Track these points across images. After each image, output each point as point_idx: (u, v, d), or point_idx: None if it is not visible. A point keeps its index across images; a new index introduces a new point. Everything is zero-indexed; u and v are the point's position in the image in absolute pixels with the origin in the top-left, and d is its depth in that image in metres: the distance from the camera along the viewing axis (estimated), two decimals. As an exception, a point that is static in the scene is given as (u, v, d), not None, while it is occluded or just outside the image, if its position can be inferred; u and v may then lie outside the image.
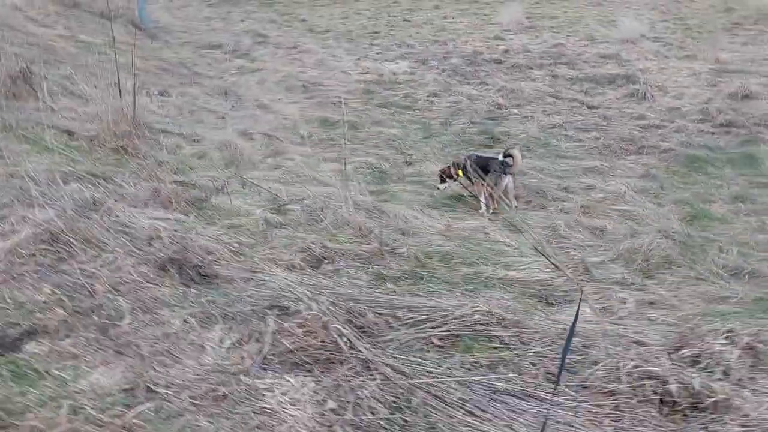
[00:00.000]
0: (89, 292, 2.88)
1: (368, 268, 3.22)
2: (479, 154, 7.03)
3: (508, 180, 6.30)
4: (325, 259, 3.22)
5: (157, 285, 2.96)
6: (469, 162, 6.55)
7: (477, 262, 3.56)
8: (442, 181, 6.57)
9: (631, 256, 3.94)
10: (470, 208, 6.01)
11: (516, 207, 6.18)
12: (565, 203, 6.10)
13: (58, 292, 2.83)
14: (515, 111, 10.16)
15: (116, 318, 2.70)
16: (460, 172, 6.54)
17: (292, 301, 2.66)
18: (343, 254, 3.36)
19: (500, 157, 6.44)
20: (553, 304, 3.11)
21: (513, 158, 6.38)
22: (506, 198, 6.30)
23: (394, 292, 3.05)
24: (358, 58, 14.81)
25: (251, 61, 12.74)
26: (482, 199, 6.23)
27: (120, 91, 6.71)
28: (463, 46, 16.32)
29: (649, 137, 8.56)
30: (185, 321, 2.68)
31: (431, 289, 3.15)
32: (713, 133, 8.72)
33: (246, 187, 5.08)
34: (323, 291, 2.76)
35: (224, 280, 3.08)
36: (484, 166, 6.39)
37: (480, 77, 12.77)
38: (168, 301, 2.84)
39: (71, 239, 3.20)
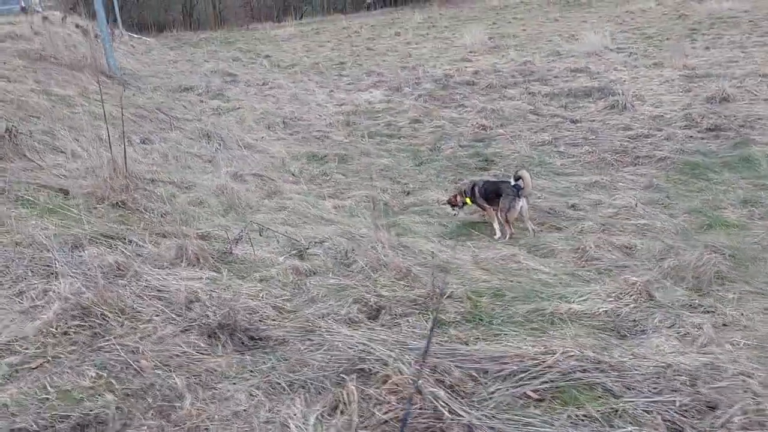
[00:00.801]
0: (136, 370, 2.61)
1: (428, 315, 3.01)
2: (488, 179, 6.94)
3: (522, 203, 6.11)
4: (381, 309, 3.00)
5: (209, 355, 2.70)
6: (477, 188, 6.45)
7: (530, 296, 3.38)
8: (453, 207, 6.65)
9: (678, 274, 3.81)
10: (486, 236, 5.84)
11: (534, 231, 6.01)
12: (580, 222, 5.98)
13: (104, 375, 2.54)
14: (501, 131, 10.11)
15: (174, 398, 2.43)
16: (468, 200, 6.45)
17: (368, 361, 2.43)
18: (397, 301, 3.14)
19: (512, 181, 6.27)
20: (626, 336, 2.94)
21: (523, 180, 6.18)
22: (523, 222, 6.16)
23: (461, 339, 2.84)
24: (331, 90, 14.72)
25: (226, 101, 12.51)
26: (496, 225, 6.09)
27: (110, 144, 6.42)
28: (432, 70, 16.38)
29: (640, 147, 8.57)
30: (251, 395, 2.43)
31: (497, 332, 2.95)
32: (702, 138, 8.77)
33: (262, 233, 4.82)
34: (396, 346, 2.54)
35: (277, 341, 2.83)
36: (495, 191, 6.26)
37: (457, 100, 12.77)
38: (225, 373, 2.58)
39: (104, 311, 2.92)
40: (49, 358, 2.69)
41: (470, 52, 18.78)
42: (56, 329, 2.84)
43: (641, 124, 9.83)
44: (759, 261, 3.94)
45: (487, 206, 6.35)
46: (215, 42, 25.92)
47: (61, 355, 2.71)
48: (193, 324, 2.91)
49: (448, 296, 3.28)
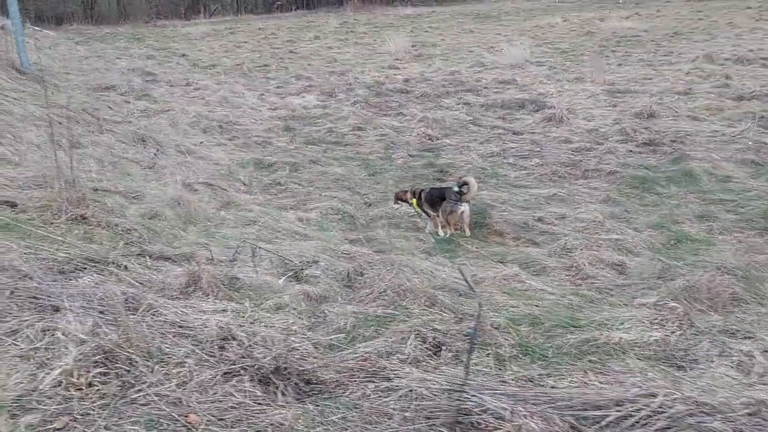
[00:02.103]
0: (186, 428, 2.26)
1: (488, 350, 2.83)
2: (434, 186, 7.11)
3: (464, 208, 6.45)
4: (441, 344, 2.79)
5: (268, 405, 2.39)
6: (423, 194, 6.75)
7: (569, 324, 3.29)
8: (395, 201, 7.04)
9: (691, 296, 3.85)
10: (465, 250, 5.74)
11: (469, 234, 6.44)
12: (556, 237, 6.02)
13: (151, 435, 2.18)
14: (447, 141, 10.12)
15: (244, 462, 2.12)
16: (414, 201, 6.77)
17: (468, 411, 2.22)
18: (452, 335, 2.94)
19: (455, 188, 6.60)
20: (683, 367, 2.90)
21: (468, 185, 6.53)
22: (462, 224, 6.51)
23: (528, 378, 2.69)
24: (261, 94, 14.24)
25: (153, 102, 11.76)
26: (435, 228, 6.68)
27: (54, 150, 5.79)
28: (361, 76, 16.24)
29: (586, 161, 8.81)
30: (334, 453, 2.16)
31: (557, 366, 2.82)
32: (641, 153, 9.15)
33: (255, 254, 4.46)
34: (486, 392, 2.35)
35: (335, 385, 2.56)
36: (440, 196, 6.59)
37: (394, 108, 12.70)
38: (293, 427, 2.28)
39: (130, 355, 2.53)
40: (77, 416, 2.28)
41: (396, 59, 18.79)
42: (77, 379, 2.42)
43: (580, 137, 10.13)
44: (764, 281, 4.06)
45: (432, 213, 6.66)
46: (123, 38, 24.52)
47: (91, 412, 2.31)
48: (236, 367, 2.58)
49: (492, 327, 3.12)
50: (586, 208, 6.93)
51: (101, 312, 2.84)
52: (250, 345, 2.69)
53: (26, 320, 2.87)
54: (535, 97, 12.95)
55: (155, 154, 8.65)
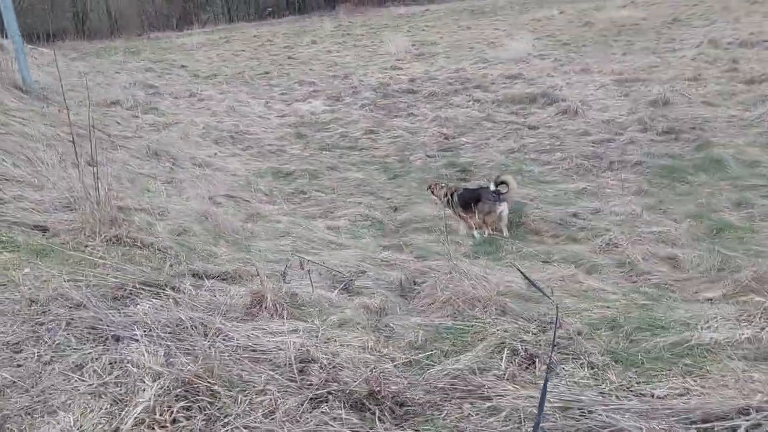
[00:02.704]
0: (285, 461, 2.10)
1: (580, 359, 2.67)
2: (467, 187, 6.89)
3: (503, 207, 6.31)
4: (534, 357, 2.63)
5: (367, 432, 2.23)
6: (456, 195, 6.60)
7: (648, 326, 3.13)
8: (433, 193, 6.94)
9: (763, 288, 3.71)
10: (507, 251, 5.58)
11: (507, 235, 6.26)
12: (593, 232, 5.88)
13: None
14: (464, 139, 9.98)
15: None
16: (443, 197, 6.66)
17: None
18: (539, 345, 2.78)
19: (492, 186, 6.44)
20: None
21: (507, 184, 6.40)
22: (500, 226, 6.35)
23: (627, 387, 2.53)
24: (267, 102, 14.09)
25: (161, 115, 11.59)
26: (470, 230, 6.51)
27: (80, 170, 5.64)
28: (365, 79, 16.09)
29: (609, 152, 8.68)
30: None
31: (655, 373, 2.67)
32: (662, 142, 9.01)
33: (303, 266, 4.30)
34: (608, 408, 2.19)
35: (428, 407, 2.40)
36: (476, 198, 6.39)
37: (403, 109, 12.56)
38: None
39: (210, 385, 2.37)
40: (167, 457, 2.13)
41: (397, 59, 18.63)
42: (161, 416, 2.27)
43: (598, 128, 10.00)
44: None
45: (464, 215, 6.52)
46: (118, 52, 24.33)
47: (181, 450, 2.15)
48: (322, 392, 2.43)
49: (576, 334, 2.97)
50: (620, 201, 6.80)
51: (169, 340, 2.68)
52: (333, 367, 2.54)
53: (89, 353, 2.72)
54: (545, 90, 12.80)
55: (171, 169, 8.50)
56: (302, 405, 2.39)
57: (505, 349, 2.68)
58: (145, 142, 9.43)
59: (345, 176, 8.49)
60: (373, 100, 13.43)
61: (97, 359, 2.68)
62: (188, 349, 2.68)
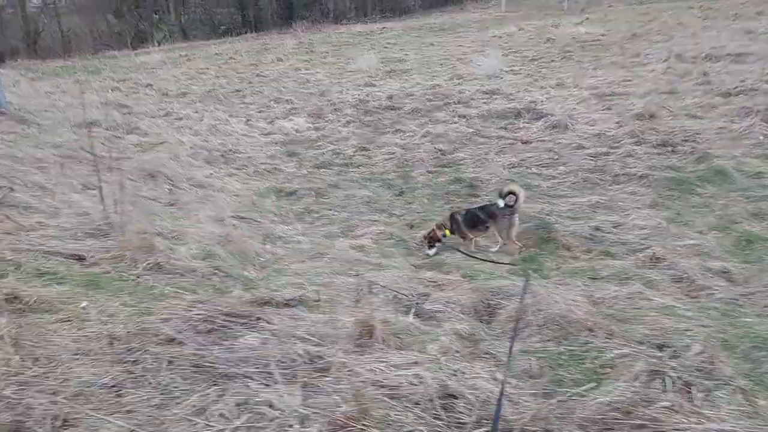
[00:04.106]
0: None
1: (728, 385, 2.59)
2: (468, 207, 6.79)
3: (517, 219, 6.30)
4: (690, 385, 2.52)
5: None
6: (460, 217, 6.41)
7: (762, 345, 3.08)
8: (431, 246, 6.32)
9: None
10: (549, 268, 5.52)
11: (522, 248, 6.19)
12: (626, 246, 5.88)
13: None
14: (460, 155, 9.95)
15: None
16: (447, 232, 6.36)
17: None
18: (691, 373, 2.68)
19: (500, 202, 6.32)
20: None
21: (516, 194, 6.30)
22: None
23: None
24: (247, 120, 13.80)
25: (144, 135, 11.20)
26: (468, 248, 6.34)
27: (101, 196, 5.34)
28: (341, 96, 15.97)
29: (610, 166, 8.77)
30: None
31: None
32: (659, 154, 9.17)
33: (371, 290, 4.12)
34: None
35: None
36: (489, 216, 6.33)
37: (388, 126, 12.46)
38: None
39: (365, 427, 2.18)
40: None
41: (369, 76, 18.59)
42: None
43: (591, 142, 10.12)
44: None
45: (470, 235, 6.42)
46: (77, 71, 23.56)
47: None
48: (482, 430, 2.28)
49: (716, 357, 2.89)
50: (638, 215, 6.84)
51: (291, 377, 2.48)
52: (480, 403, 2.38)
53: (206, 394, 2.49)
54: (527, 105, 12.92)
55: (170, 191, 8.17)
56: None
57: (665, 377, 2.57)
58: (137, 163, 9.06)
59: (350, 194, 8.32)
60: (356, 117, 13.32)
61: (217, 401, 2.46)
62: (318, 387, 2.48)
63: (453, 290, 4.52)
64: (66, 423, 2.42)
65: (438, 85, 16.28)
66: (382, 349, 2.89)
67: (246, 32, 41.54)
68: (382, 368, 2.67)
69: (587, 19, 30.08)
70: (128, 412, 2.46)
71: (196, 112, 14.71)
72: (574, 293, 4.29)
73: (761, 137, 9.45)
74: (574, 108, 12.63)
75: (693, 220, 6.65)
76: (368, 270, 5.26)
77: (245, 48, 30.21)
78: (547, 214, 7.16)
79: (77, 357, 2.88)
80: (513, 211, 6.28)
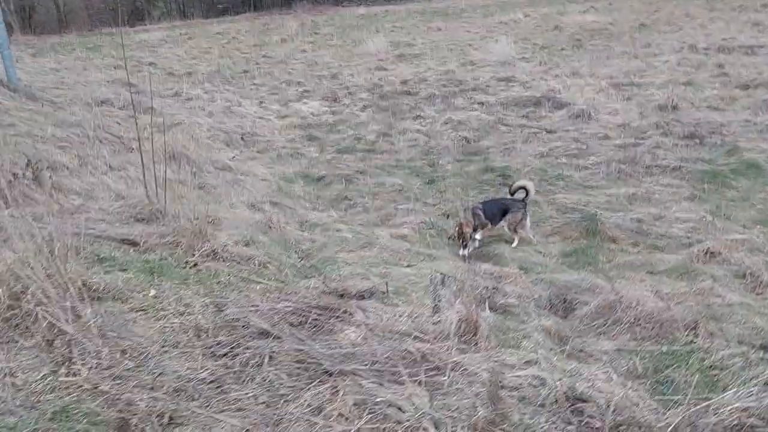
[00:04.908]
0: None
1: None
2: (484, 200, 6.48)
3: (528, 213, 6.21)
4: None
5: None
6: (480, 211, 6.07)
7: None
8: (464, 246, 5.75)
9: None
10: (602, 261, 5.42)
11: (537, 240, 6.10)
12: (674, 240, 5.80)
13: None
14: (486, 143, 9.81)
15: None
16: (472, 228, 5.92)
17: None
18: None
19: (514, 195, 6.24)
20: None
21: (527, 189, 6.24)
22: (528, 232, 6.18)
23: None
24: (261, 102, 13.60)
25: (159, 116, 10.94)
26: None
27: (145, 180, 5.18)
28: (353, 79, 15.79)
29: (640, 157, 8.66)
30: None
31: None
32: (687, 146, 9.08)
33: (444, 282, 4.00)
34: None
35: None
36: (504, 209, 6.11)
37: (407, 111, 12.30)
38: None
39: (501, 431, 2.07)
40: None
41: (379, 60, 18.40)
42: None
43: (616, 132, 10.03)
44: None
45: (486, 228, 6.09)
46: (75, 48, 23.14)
47: None
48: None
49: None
50: (678, 207, 6.76)
51: (405, 376, 2.36)
52: (612, 408, 2.27)
53: (318, 392, 2.37)
54: (545, 93, 12.80)
55: (194, 173, 7.99)
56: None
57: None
58: (156, 144, 8.84)
59: (380, 181, 8.17)
60: (372, 102, 13.15)
61: (332, 400, 2.34)
62: (436, 387, 2.36)
63: (514, 284, 4.41)
64: (172, 421, 2.29)
65: (451, 71, 16.13)
66: (487, 347, 2.78)
67: (245, 11, 40.99)
68: (496, 368, 2.55)
69: (592, 7, 29.91)
70: (239, 410, 2.33)
71: (206, 92, 14.47)
72: (640, 289, 4.20)
73: (788, 132, 9.39)
74: (594, 98, 12.50)
75: (734, 214, 6.57)
76: (420, 261, 5.14)
77: (246, 28, 29.83)
78: (584, 206, 7.05)
79: (166, 349, 2.74)
80: (525, 205, 6.15)
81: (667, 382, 2.68)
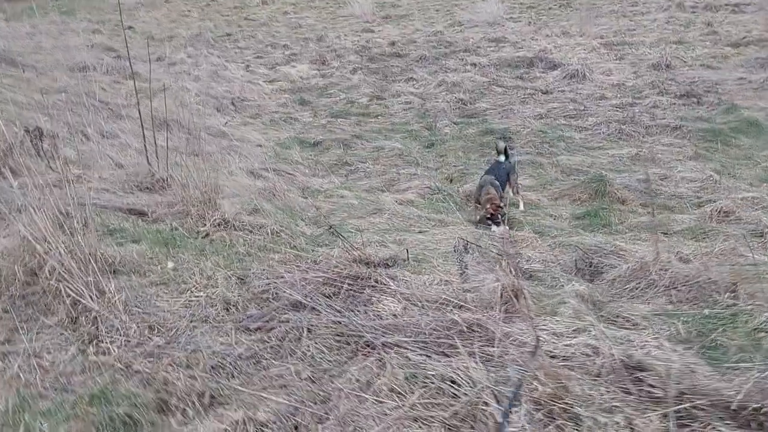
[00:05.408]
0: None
1: None
2: (489, 169, 5.95)
3: None
4: None
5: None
6: (498, 182, 5.64)
7: None
8: (497, 223, 5.08)
9: None
10: (614, 223, 5.35)
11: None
12: (684, 200, 5.75)
13: None
14: (483, 105, 9.65)
15: None
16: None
17: None
18: None
19: (501, 158, 6.00)
20: None
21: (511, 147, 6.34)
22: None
23: None
24: (247, 66, 13.25)
25: (144, 81, 10.59)
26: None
27: (146, 145, 4.98)
28: (340, 42, 15.44)
29: (639, 117, 8.58)
30: None
31: None
32: (685, 105, 9.02)
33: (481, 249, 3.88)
34: None
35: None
36: (507, 173, 5.88)
37: (399, 74, 12.06)
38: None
39: (568, 407, 1.99)
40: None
41: (365, 22, 18.00)
42: None
43: (612, 92, 9.93)
44: None
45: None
46: (49, 11, 22.29)
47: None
48: (686, 406, 2.09)
49: None
50: (684, 167, 6.70)
51: (452, 347, 2.26)
52: (675, 376, 2.20)
53: (364, 366, 2.27)
54: (537, 54, 12.61)
55: (188, 140, 7.74)
56: (664, 423, 2.06)
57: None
58: (145, 110, 8.56)
59: (378, 145, 8.01)
60: (361, 64, 12.88)
61: (379, 374, 2.23)
62: (488, 358, 2.27)
63: (532, 248, 4.32)
64: (214, 400, 2.18)
65: (440, 32, 15.83)
66: (530, 315, 2.69)
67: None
68: (545, 337, 2.46)
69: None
70: (282, 386, 2.22)
71: (190, 57, 14.03)
72: (662, 250, 4.13)
73: (784, 89, 9.35)
74: (586, 57, 12.36)
75: (739, 172, 6.54)
76: (432, 227, 5.03)
77: (223, -11, 28.96)
78: (588, 167, 6.97)
79: (195, 324, 2.62)
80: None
81: (714, 346, 2.61)
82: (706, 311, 2.89)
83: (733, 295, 2.96)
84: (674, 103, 9.09)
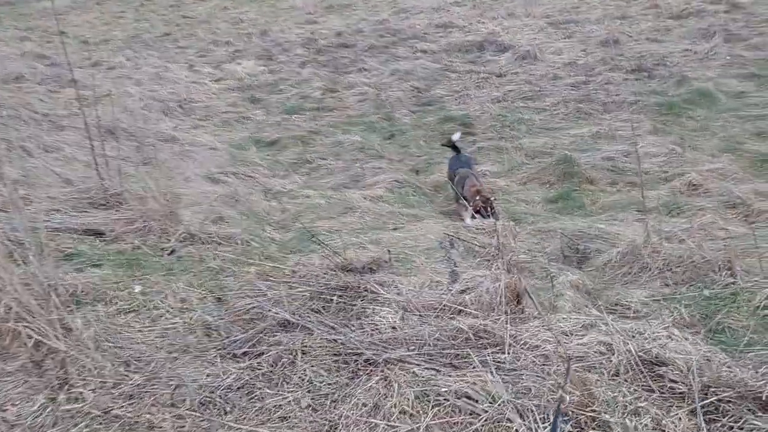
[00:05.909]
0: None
1: None
2: (458, 159, 5.85)
3: None
4: None
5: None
6: (474, 172, 5.64)
7: None
8: (491, 215, 4.81)
9: None
10: (586, 204, 5.29)
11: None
12: (653, 176, 5.75)
13: None
14: (438, 92, 9.54)
15: None
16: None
17: None
18: None
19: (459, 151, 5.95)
20: None
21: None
22: None
23: None
24: (191, 66, 12.78)
25: (83, 88, 10.07)
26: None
27: (95, 160, 4.65)
28: (284, 35, 15.09)
29: (594, 94, 8.60)
30: None
31: None
32: (638, 80, 9.09)
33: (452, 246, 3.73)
34: None
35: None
36: (470, 165, 5.79)
37: (349, 65, 11.82)
38: None
39: (596, 415, 1.85)
40: None
41: (308, 13, 17.65)
42: None
43: (565, 71, 9.94)
44: None
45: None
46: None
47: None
48: (712, 400, 1.99)
49: None
50: (645, 142, 6.70)
51: (460, 358, 2.10)
52: (695, 370, 2.09)
53: (369, 387, 2.09)
54: (486, 37, 12.56)
55: (138, 148, 7.38)
56: (692, 420, 1.95)
57: None
58: (88, 119, 8.12)
59: (336, 140, 7.79)
60: (310, 57, 12.59)
61: (386, 395, 2.06)
62: (501, 367, 2.12)
63: (512, 237, 4.21)
64: (209, 441, 1.97)
65: (386, 20, 15.62)
66: (533, 315, 2.55)
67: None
68: (554, 337, 2.33)
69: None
70: (282, 419, 2.02)
71: (128, 60, 13.50)
72: (639, 229, 4.07)
73: (728, 57, 9.52)
74: (535, 38, 12.37)
75: (699, 144, 6.59)
76: (408, 222, 4.87)
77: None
78: (551, 148, 6.92)
79: (175, 356, 2.39)
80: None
81: (721, 329, 2.53)
82: (706, 292, 2.82)
83: (729, 273, 2.89)
84: (626, 79, 9.15)
